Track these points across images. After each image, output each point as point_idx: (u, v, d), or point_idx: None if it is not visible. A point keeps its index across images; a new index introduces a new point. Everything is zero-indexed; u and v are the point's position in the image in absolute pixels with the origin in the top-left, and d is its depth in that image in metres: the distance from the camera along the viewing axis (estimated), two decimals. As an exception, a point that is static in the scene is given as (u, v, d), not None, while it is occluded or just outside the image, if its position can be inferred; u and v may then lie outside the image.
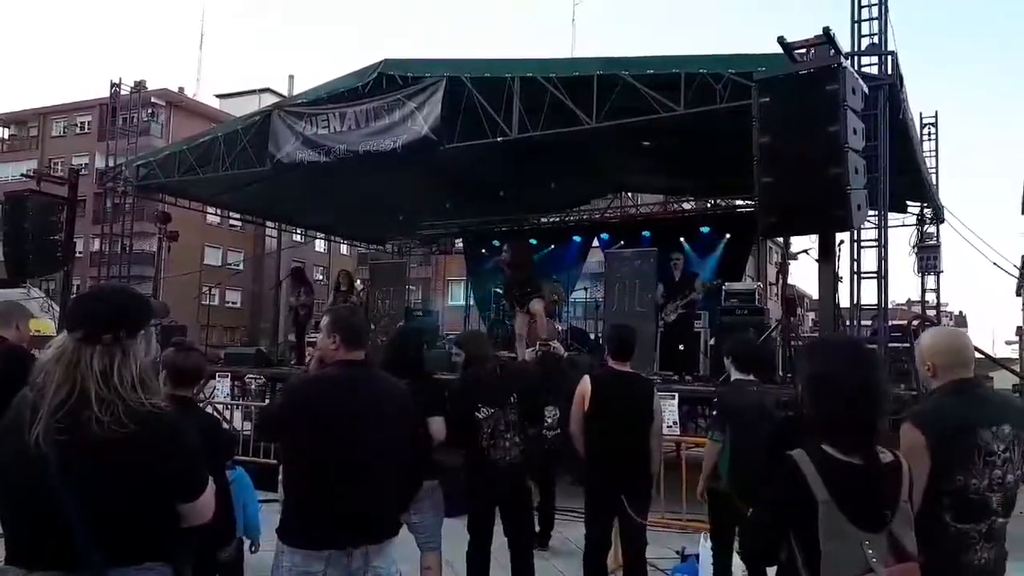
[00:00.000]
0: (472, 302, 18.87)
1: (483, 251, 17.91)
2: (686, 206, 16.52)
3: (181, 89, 43.97)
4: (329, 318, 3.22)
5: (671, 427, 7.58)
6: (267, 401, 10.14)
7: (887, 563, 1.94)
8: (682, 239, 14.66)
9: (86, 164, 36.63)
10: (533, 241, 17.18)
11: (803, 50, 7.39)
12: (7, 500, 1.97)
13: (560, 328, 13.54)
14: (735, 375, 4.82)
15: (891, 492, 2.03)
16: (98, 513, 1.85)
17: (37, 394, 1.92)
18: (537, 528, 6.32)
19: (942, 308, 15.62)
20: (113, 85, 14.02)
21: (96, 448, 1.85)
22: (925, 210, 13.77)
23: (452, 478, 4.38)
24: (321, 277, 42.27)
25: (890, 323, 9.10)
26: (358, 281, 12.81)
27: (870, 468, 2.00)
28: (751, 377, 4.81)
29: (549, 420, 5.71)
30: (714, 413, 5.07)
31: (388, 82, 10.61)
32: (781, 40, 7.26)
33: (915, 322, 11.33)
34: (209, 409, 8.82)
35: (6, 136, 48.59)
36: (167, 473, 1.96)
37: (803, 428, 3.20)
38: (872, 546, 1.93)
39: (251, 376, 10.77)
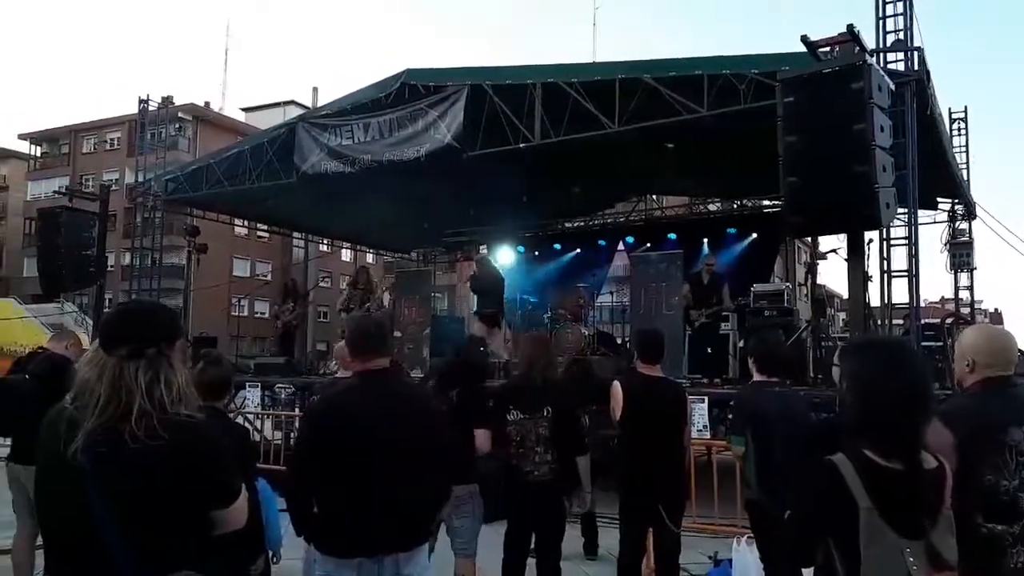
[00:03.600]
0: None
1: (507, 257, 17.93)
2: (712, 207, 16.39)
3: (207, 103, 44.66)
4: (347, 328, 3.25)
5: (701, 431, 7.52)
6: (296, 410, 10.19)
7: (926, 571, 1.91)
8: (708, 240, 14.57)
9: (116, 179, 37.27)
10: (557, 246, 17.19)
11: (827, 48, 7.33)
12: (45, 512, 2.01)
13: (587, 333, 13.50)
14: (757, 376, 4.64)
15: (933, 499, 1.98)
16: (133, 524, 1.88)
17: (78, 410, 1.95)
18: (583, 539, 6.31)
19: (976, 305, 15.35)
20: (141, 101, 14.26)
21: (131, 459, 1.89)
22: (956, 206, 13.56)
23: (488, 484, 4.36)
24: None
25: (923, 321, 8.97)
26: (384, 289, 12.96)
27: (912, 474, 1.96)
28: (774, 379, 4.65)
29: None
30: (730, 417, 4.93)
31: (410, 92, 10.67)
32: (805, 39, 7.20)
33: (948, 320, 11.14)
34: (240, 419, 8.92)
35: (39, 154, 49.59)
36: (201, 480, 1.99)
37: (843, 431, 3.16)
38: (912, 553, 1.90)
39: (281, 385, 10.83)
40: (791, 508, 2.17)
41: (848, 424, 2.09)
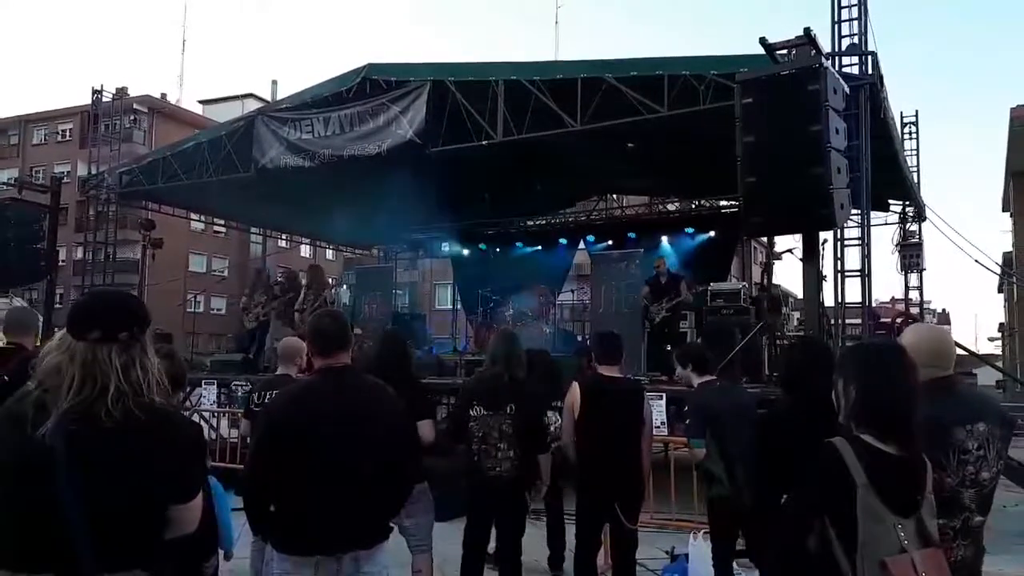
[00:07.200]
0: (459, 305, 18.84)
1: (469, 254, 17.91)
2: (670, 207, 16.57)
3: (163, 95, 43.70)
4: (308, 326, 3.24)
5: (659, 427, 7.59)
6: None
7: (916, 546, 2.05)
8: (667, 239, 14.74)
9: (68, 172, 36.27)
10: (519, 244, 17.19)
11: (784, 51, 7.48)
12: (2, 499, 1.95)
13: (548, 330, 13.56)
14: (697, 380, 4.84)
15: (922, 481, 2.15)
16: (98, 512, 1.84)
17: (47, 393, 1.91)
18: (548, 550, 5.92)
19: (925, 305, 15.76)
20: (95, 92, 13.94)
21: (106, 438, 1.86)
22: (907, 208, 13.90)
23: (445, 482, 4.35)
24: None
25: (875, 321, 9.18)
26: (335, 287, 12.63)
27: (905, 457, 2.12)
28: (712, 377, 4.85)
29: (552, 429, 5.22)
30: (687, 421, 5.00)
31: (372, 86, 10.61)
32: (763, 41, 7.33)
33: (899, 320, 11.42)
34: (195, 417, 8.76)
35: (-14, 145, 48.10)
36: (169, 469, 1.95)
37: (782, 422, 3.22)
38: (903, 530, 2.05)
39: (237, 383, 10.67)
40: (792, 491, 2.28)
41: (850, 414, 2.22)
